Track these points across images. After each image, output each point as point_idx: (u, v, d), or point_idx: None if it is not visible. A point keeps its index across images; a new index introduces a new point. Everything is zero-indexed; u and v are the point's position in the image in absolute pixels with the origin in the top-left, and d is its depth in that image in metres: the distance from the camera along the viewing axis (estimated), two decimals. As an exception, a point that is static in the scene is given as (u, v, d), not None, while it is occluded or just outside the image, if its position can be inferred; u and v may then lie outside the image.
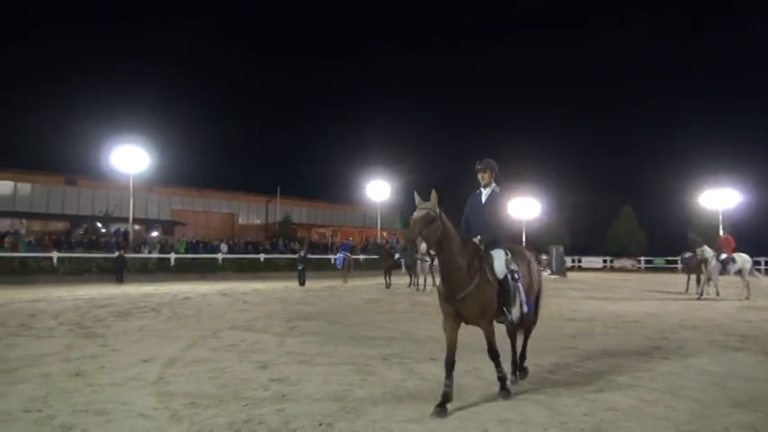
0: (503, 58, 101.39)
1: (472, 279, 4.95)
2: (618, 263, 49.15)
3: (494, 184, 5.60)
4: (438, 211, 4.87)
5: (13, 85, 70.36)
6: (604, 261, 50.35)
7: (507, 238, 5.62)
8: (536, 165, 68.31)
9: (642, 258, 48.63)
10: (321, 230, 50.54)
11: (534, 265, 5.97)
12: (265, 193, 49.73)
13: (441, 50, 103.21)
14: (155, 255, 31.13)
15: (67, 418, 4.58)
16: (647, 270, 45.90)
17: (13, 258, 25.89)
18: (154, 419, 4.58)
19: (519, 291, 5.33)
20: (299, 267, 24.57)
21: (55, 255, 26.94)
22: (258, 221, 50.58)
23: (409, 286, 21.73)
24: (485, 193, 5.61)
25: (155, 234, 39.99)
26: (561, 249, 38.90)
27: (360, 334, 9.46)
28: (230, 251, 35.15)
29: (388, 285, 21.98)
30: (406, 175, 45.41)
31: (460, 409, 4.90)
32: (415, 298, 17.28)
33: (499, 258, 5.24)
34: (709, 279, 17.01)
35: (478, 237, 5.30)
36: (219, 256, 33.49)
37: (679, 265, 31.68)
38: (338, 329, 10.07)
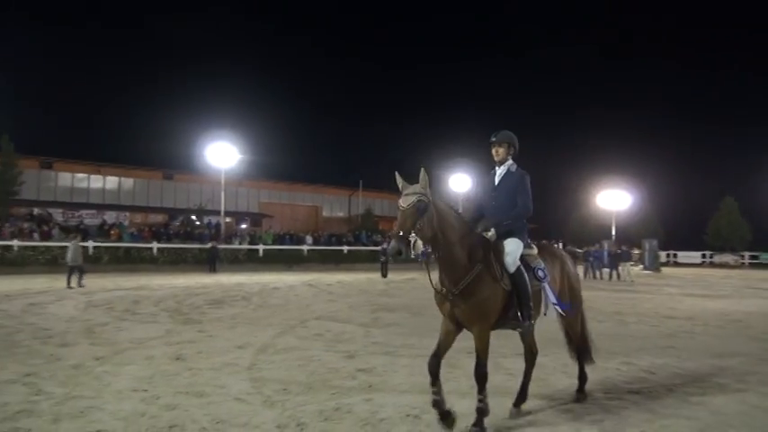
0: (592, 48, 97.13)
1: (470, 271, 4.09)
2: (718, 258, 45.82)
3: (510, 161, 4.67)
4: (429, 195, 4.04)
5: (116, 87, 75.75)
6: (703, 256, 47.14)
7: (526, 226, 4.67)
8: (628, 153, 65.33)
9: (746, 253, 45.06)
10: (402, 223, 50.61)
11: (570, 269, 5.07)
12: (348, 187, 50.64)
13: (531, 40, 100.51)
14: (244, 246, 32.56)
15: (171, 399, 4.87)
16: (752, 266, 42.51)
17: (118, 248, 27.95)
18: (249, 403, 4.77)
19: (545, 291, 4.52)
20: (382, 259, 24.82)
21: (155, 245, 28.80)
22: (341, 214, 51.63)
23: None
24: (498, 172, 4.69)
25: (244, 226, 41.80)
26: (655, 243, 37.02)
27: (444, 327, 9.40)
28: (315, 243, 36.13)
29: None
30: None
31: (552, 407, 4.75)
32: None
33: (512, 248, 4.35)
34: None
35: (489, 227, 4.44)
36: (305, 247, 34.49)
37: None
38: (422, 322, 10.07)
